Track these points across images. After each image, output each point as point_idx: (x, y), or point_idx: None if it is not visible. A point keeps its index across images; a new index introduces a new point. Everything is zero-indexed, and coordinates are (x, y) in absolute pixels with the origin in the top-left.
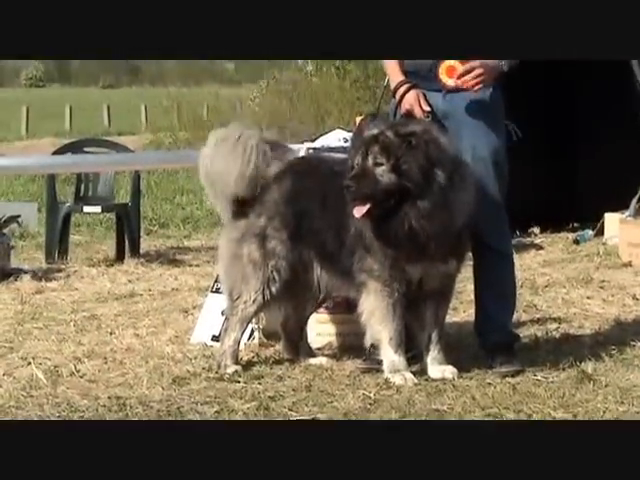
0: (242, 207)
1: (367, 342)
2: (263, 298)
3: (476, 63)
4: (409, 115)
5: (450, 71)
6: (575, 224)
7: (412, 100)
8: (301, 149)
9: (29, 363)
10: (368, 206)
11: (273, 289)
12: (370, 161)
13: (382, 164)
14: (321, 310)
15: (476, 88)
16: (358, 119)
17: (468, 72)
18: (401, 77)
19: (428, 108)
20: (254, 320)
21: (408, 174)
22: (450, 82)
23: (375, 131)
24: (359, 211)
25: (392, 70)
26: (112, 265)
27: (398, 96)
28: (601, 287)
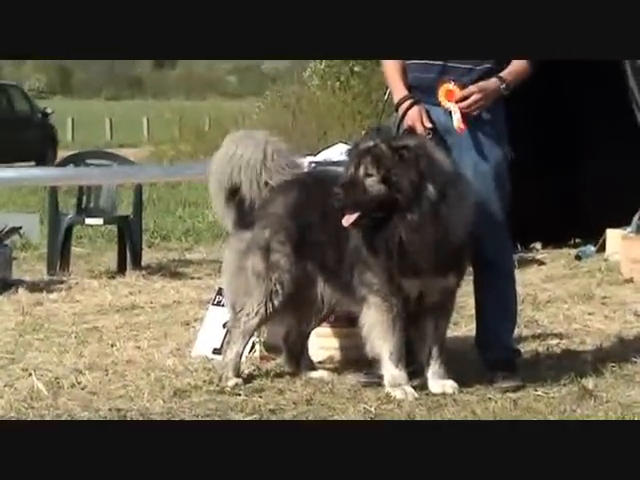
0: (244, 216)
1: (368, 356)
2: (266, 311)
3: (474, 88)
4: (411, 131)
5: (449, 95)
6: (577, 240)
7: (415, 116)
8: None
9: (30, 374)
10: (356, 215)
11: (276, 302)
12: (361, 171)
13: (372, 175)
14: (323, 324)
15: (474, 113)
16: (363, 133)
17: (466, 97)
18: (404, 92)
19: (430, 125)
20: (256, 333)
21: (397, 186)
22: (449, 105)
23: (369, 143)
24: (347, 220)
25: (395, 84)
26: (113, 277)
27: (401, 112)
28: (603, 303)
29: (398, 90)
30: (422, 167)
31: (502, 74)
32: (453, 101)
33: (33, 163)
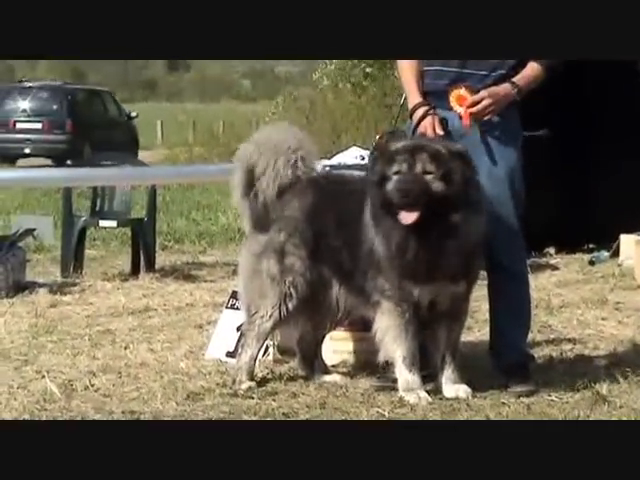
0: (260, 219)
1: (381, 360)
2: (280, 314)
3: (485, 93)
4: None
5: (460, 100)
6: (590, 245)
7: (427, 125)
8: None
9: (43, 377)
10: (418, 213)
11: (290, 305)
12: (419, 168)
13: (432, 172)
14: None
15: (486, 118)
16: (377, 136)
17: (477, 102)
18: (419, 99)
19: (442, 133)
20: (270, 336)
21: (454, 186)
22: (460, 110)
23: (420, 142)
24: (409, 217)
25: (410, 90)
26: (127, 280)
27: (415, 119)
28: (616, 308)
29: (413, 96)
30: (469, 172)
31: (515, 79)
32: (464, 106)
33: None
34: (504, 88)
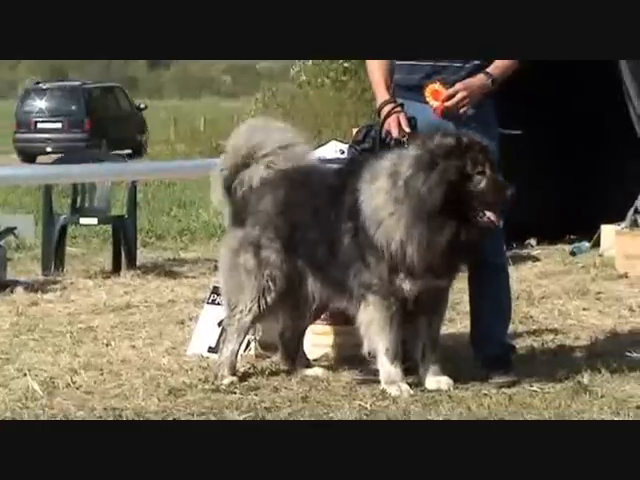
0: (238, 213)
1: (364, 352)
2: (259, 307)
3: (460, 86)
4: (388, 134)
5: (435, 94)
6: (571, 236)
7: (392, 123)
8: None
9: (25, 374)
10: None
11: (268, 298)
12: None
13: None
14: (318, 321)
15: (462, 111)
16: (355, 130)
17: (452, 96)
18: (386, 96)
19: (408, 130)
20: (251, 331)
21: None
22: (436, 104)
23: (478, 139)
24: (497, 219)
25: (378, 88)
26: (108, 277)
27: (382, 116)
28: (597, 299)
29: (381, 94)
30: None
31: (489, 69)
32: (440, 100)
33: (130, 151)
34: (479, 79)
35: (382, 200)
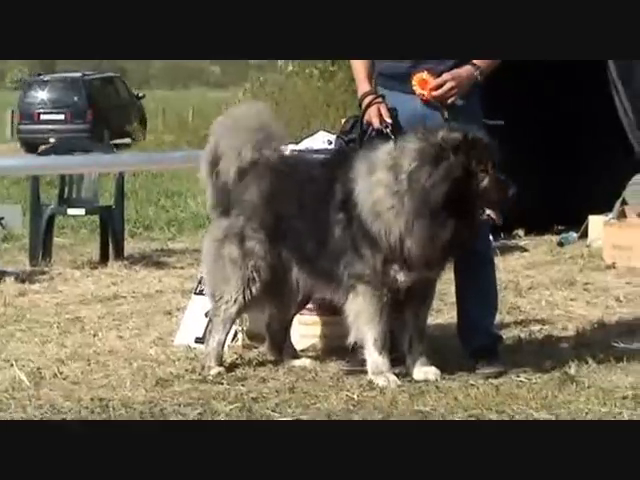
0: (222, 203)
1: (351, 342)
2: (244, 298)
3: (447, 76)
4: (369, 125)
5: (422, 84)
6: (559, 227)
7: (373, 114)
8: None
9: (12, 365)
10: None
11: (253, 289)
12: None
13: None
14: (305, 312)
15: (449, 101)
16: (342, 121)
17: (440, 86)
18: (367, 87)
19: (389, 120)
20: (238, 322)
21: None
22: (424, 94)
23: (482, 135)
24: (499, 218)
25: (360, 79)
26: (96, 267)
27: (363, 107)
28: (585, 289)
29: (362, 85)
30: None
31: (476, 61)
32: (427, 90)
33: (130, 140)
34: (466, 70)
35: (382, 193)
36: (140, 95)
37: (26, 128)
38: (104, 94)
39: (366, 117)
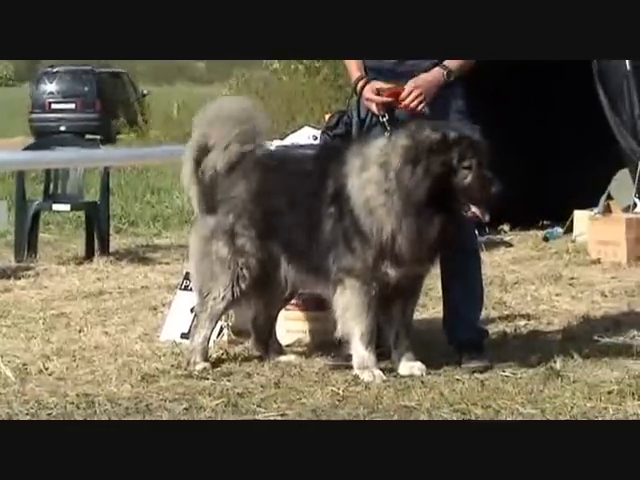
0: (207, 200)
1: (337, 337)
2: (232, 295)
3: (411, 85)
4: (369, 112)
5: (392, 94)
6: (544, 222)
7: (368, 92)
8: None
9: None
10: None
11: (243, 286)
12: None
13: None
14: (291, 307)
15: (419, 108)
16: (327, 116)
17: (407, 95)
18: (358, 73)
19: (387, 99)
20: (223, 317)
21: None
22: (395, 104)
23: (468, 133)
24: (486, 215)
25: (351, 68)
26: (81, 263)
27: (358, 90)
28: (570, 284)
29: (354, 72)
30: None
31: (446, 62)
32: (399, 101)
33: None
34: (431, 74)
35: (374, 191)
36: (145, 92)
37: (37, 117)
38: (112, 87)
39: (366, 104)
